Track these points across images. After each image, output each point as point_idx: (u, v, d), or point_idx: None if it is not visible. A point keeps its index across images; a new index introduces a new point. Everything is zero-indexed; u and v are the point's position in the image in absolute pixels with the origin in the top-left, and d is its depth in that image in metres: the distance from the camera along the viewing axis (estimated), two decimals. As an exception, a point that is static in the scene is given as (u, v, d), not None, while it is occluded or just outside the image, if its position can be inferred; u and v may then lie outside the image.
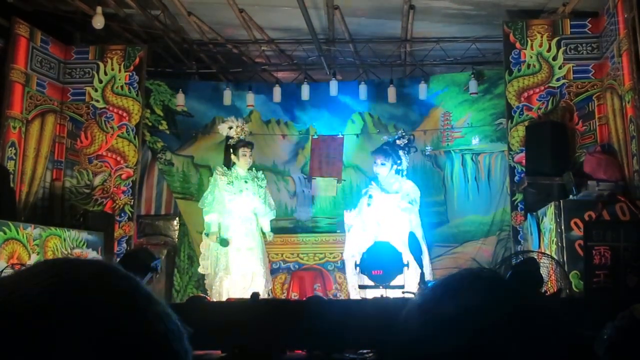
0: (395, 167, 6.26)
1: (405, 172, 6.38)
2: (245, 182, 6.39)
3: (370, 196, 6.11)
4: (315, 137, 8.61)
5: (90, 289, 0.57)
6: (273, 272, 7.57)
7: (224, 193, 6.29)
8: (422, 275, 5.02)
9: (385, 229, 6.06)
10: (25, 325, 0.52)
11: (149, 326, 0.58)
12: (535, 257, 4.35)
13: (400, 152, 6.31)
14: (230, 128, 6.58)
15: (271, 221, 6.58)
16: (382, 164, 6.23)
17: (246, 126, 6.77)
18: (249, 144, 6.49)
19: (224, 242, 6.18)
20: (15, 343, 0.52)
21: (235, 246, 6.22)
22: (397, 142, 6.37)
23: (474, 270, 0.73)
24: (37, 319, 0.53)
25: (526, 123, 6.85)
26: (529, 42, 6.99)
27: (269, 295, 6.33)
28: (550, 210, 5.49)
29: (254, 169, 6.62)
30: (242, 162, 6.40)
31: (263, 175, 6.63)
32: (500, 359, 0.62)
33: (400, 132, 6.64)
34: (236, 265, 6.19)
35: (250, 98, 8.38)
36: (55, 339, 0.52)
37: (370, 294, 5.65)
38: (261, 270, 6.28)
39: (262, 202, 6.43)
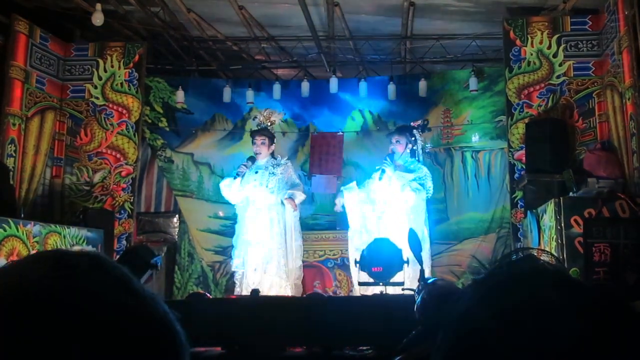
0: (410, 145, 6.33)
1: (421, 157, 6.45)
2: (255, 172, 6.31)
3: (382, 170, 6.11)
4: (315, 134, 8.60)
5: (90, 272, 0.59)
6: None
7: None
8: (422, 272, 5.03)
9: (386, 222, 6.09)
10: (32, 308, 0.54)
11: (150, 307, 0.60)
12: (535, 254, 4.35)
13: (415, 131, 6.44)
14: (255, 118, 6.62)
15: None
16: (398, 142, 6.36)
17: (274, 115, 6.62)
18: (263, 133, 6.36)
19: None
20: (24, 325, 0.53)
21: (247, 238, 6.19)
22: (412, 124, 6.56)
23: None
24: (41, 301, 0.54)
25: (526, 120, 6.84)
26: (529, 39, 6.97)
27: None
28: (550, 207, 5.49)
29: (279, 157, 6.55)
30: (256, 151, 6.34)
31: (281, 162, 6.41)
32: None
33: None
34: (249, 259, 6.16)
35: (250, 95, 8.36)
36: (61, 321, 0.54)
37: (370, 290, 5.66)
38: (280, 271, 6.17)
39: (270, 191, 6.24)
